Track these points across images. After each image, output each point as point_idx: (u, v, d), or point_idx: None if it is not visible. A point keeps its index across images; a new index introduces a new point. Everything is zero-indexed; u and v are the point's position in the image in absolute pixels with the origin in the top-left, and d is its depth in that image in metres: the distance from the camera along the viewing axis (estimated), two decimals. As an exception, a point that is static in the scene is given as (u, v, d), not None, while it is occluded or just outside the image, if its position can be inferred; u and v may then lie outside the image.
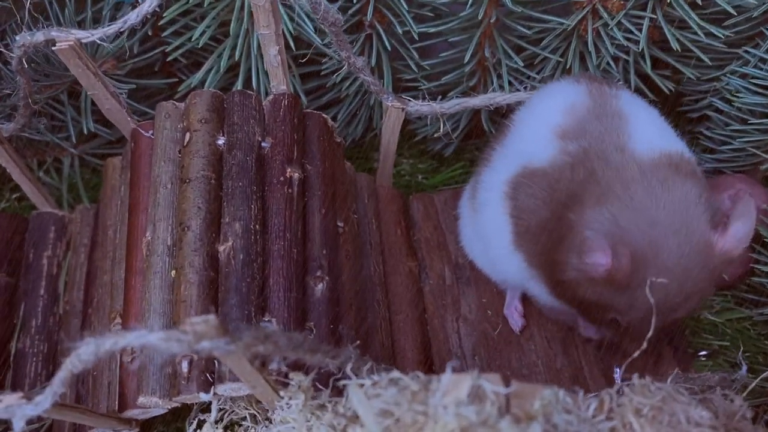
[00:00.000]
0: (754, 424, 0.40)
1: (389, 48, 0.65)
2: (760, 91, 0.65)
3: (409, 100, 0.62)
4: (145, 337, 0.34)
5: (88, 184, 0.74)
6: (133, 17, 0.47)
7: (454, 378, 0.34)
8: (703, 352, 0.69)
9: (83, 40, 0.48)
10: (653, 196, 0.47)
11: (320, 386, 0.45)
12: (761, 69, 0.64)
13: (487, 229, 0.57)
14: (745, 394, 0.45)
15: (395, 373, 0.37)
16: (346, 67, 0.57)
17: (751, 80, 0.65)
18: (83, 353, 0.35)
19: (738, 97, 0.65)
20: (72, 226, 0.67)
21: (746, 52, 0.66)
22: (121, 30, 0.47)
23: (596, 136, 0.51)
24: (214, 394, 0.46)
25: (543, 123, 0.54)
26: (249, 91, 0.57)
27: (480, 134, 0.77)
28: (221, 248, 0.50)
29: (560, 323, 0.64)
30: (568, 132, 0.52)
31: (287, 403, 0.42)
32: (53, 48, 0.47)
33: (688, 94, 0.72)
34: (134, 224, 0.55)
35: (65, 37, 0.47)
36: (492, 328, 0.65)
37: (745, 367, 0.52)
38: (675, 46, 0.63)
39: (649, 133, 0.52)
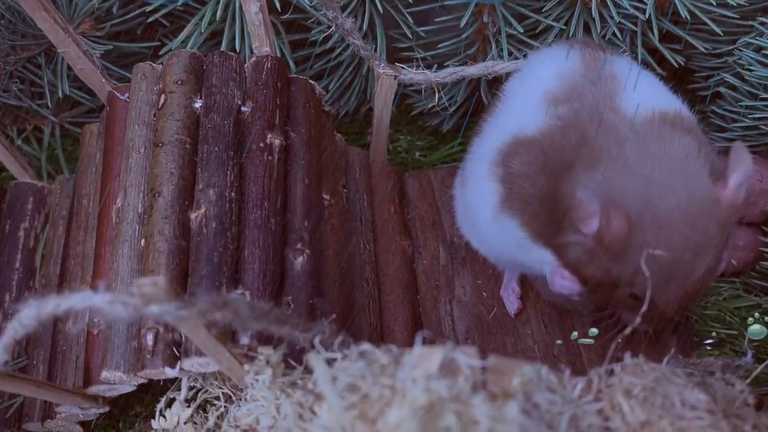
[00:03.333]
0: (757, 411, 0.37)
1: (382, 11, 0.61)
2: (768, 63, 0.61)
3: (403, 67, 0.59)
4: (89, 300, 0.31)
5: (70, 155, 0.71)
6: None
7: (425, 350, 0.31)
8: (709, 341, 0.65)
9: (49, -9, 0.45)
10: (649, 153, 0.44)
11: (294, 363, 0.42)
12: (773, 40, 0.60)
13: (475, 199, 0.54)
14: (748, 381, 0.41)
15: (365, 346, 0.33)
16: (334, 28, 0.53)
17: (764, 53, 0.61)
18: (24, 317, 0.32)
19: (750, 70, 0.62)
20: (51, 198, 0.64)
21: (762, 24, 0.62)
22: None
23: (588, 98, 0.48)
24: (181, 369, 0.44)
25: (533, 90, 0.51)
26: (230, 53, 0.54)
27: (479, 109, 0.74)
28: (193, 216, 0.47)
29: (558, 306, 0.61)
30: (559, 97, 0.49)
31: (255, 379, 0.39)
32: (16, -2, 0.44)
33: (698, 70, 0.69)
34: (106, 191, 0.52)
35: (28, -14, 0.44)
36: (487, 310, 0.62)
37: (750, 354, 0.48)
38: (684, 13, 0.59)
39: (643, 93, 0.49)
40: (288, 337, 0.38)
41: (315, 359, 0.32)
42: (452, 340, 0.61)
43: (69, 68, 0.61)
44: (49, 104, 0.63)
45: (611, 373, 0.35)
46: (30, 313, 0.32)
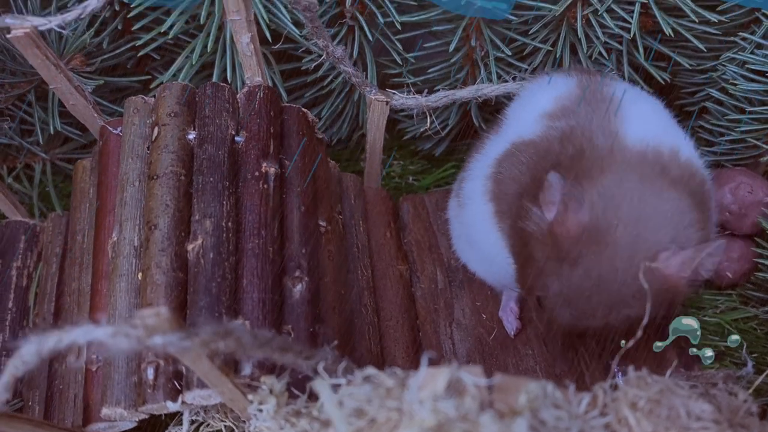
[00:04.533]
0: (761, 421, 0.37)
1: (372, 39, 0.62)
2: (757, 77, 0.62)
3: (394, 93, 0.59)
4: (91, 333, 0.31)
5: (62, 192, 0.71)
6: (94, 2, 0.44)
7: (431, 371, 0.31)
8: (709, 354, 0.65)
9: (40, 28, 0.45)
10: (625, 190, 0.44)
11: (297, 392, 0.41)
12: (757, 55, 0.61)
13: (470, 218, 0.54)
14: (750, 390, 0.41)
15: (370, 370, 0.33)
16: (325, 56, 0.54)
17: (747, 67, 0.62)
18: (25, 353, 0.32)
19: (735, 85, 0.63)
20: (43, 236, 0.64)
21: (743, 39, 0.63)
22: (81, 16, 0.45)
23: (584, 116, 0.49)
24: (183, 402, 0.43)
25: (531, 110, 0.52)
26: (222, 84, 0.54)
27: (471, 133, 0.74)
28: (190, 247, 0.47)
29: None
30: (556, 113, 0.50)
31: (259, 409, 0.38)
32: (7, 36, 0.45)
33: (683, 86, 0.70)
34: (101, 226, 0.52)
35: (20, 24, 0.44)
36: (487, 332, 0.62)
37: (750, 364, 0.48)
38: (668, 31, 0.60)
39: (644, 123, 0.49)
40: (291, 365, 0.37)
41: (320, 385, 0.32)
42: (454, 363, 0.60)
43: (60, 104, 0.62)
44: (40, 141, 0.63)
45: (615, 387, 0.35)
46: (31, 350, 0.32)
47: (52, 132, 0.62)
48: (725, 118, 0.66)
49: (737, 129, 0.64)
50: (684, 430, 0.33)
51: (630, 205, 0.44)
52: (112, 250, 0.50)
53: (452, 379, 0.30)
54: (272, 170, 0.52)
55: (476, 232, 0.54)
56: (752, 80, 0.62)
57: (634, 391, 0.33)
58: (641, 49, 0.63)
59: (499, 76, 0.63)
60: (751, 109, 0.63)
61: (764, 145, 0.65)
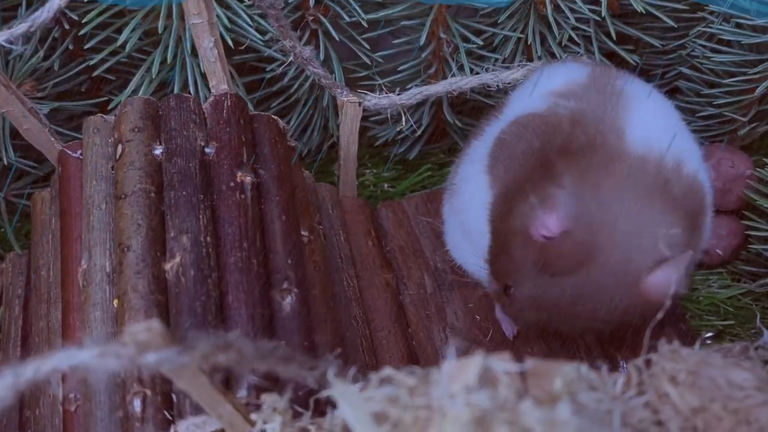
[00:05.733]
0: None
1: (337, 39, 0.60)
2: (726, 48, 0.62)
3: (366, 93, 0.57)
4: (75, 357, 0.27)
5: (20, 231, 0.67)
6: (43, 14, 0.41)
7: (459, 362, 0.28)
8: (708, 334, 0.64)
9: (-14, 45, 0.42)
10: (623, 204, 0.42)
11: (299, 408, 0.38)
12: (726, 25, 0.61)
13: (467, 205, 0.51)
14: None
15: (386, 371, 0.30)
16: (292, 58, 0.51)
17: (719, 38, 0.62)
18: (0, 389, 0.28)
19: (707, 60, 0.62)
20: (2, 278, 0.60)
21: (710, 13, 0.63)
22: (32, 29, 0.41)
23: (597, 105, 0.46)
24: (175, 433, 0.39)
25: (539, 88, 0.49)
26: (186, 95, 0.51)
27: (444, 135, 0.72)
28: (168, 266, 0.44)
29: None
30: (567, 93, 0.47)
31: (263, 430, 0.35)
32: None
33: (653, 68, 0.69)
34: (68, 256, 0.48)
35: (-37, 41, 0.41)
36: (483, 334, 0.59)
37: (767, 333, 0.47)
38: (639, 8, 0.59)
39: (653, 126, 0.46)
40: (295, 378, 0.34)
41: (337, 391, 0.29)
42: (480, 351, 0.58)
43: (12, 135, 0.58)
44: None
45: (648, 364, 0.33)
46: (5, 383, 0.28)
47: (6, 163, 0.58)
48: (699, 94, 0.65)
49: (714, 103, 0.63)
50: (728, 399, 0.31)
51: (624, 223, 0.42)
52: (82, 279, 0.46)
53: (482, 369, 0.27)
54: (248, 179, 0.49)
55: (470, 216, 0.51)
56: (721, 52, 0.62)
57: (671, 364, 0.31)
58: (612, 33, 0.62)
59: (471, 70, 0.62)
60: (725, 81, 0.62)
61: (741, 118, 0.65)
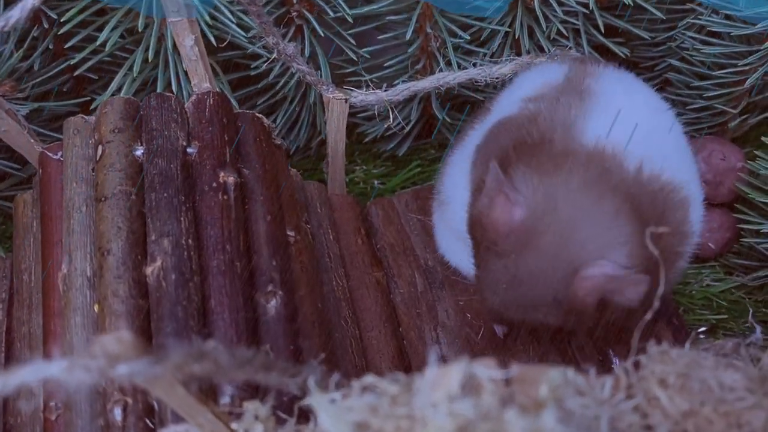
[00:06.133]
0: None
1: (322, 35, 0.59)
2: (715, 40, 0.61)
3: (352, 89, 0.56)
4: (43, 370, 0.26)
5: (3, 234, 0.66)
6: (16, 13, 0.40)
7: (441, 370, 0.27)
8: (702, 329, 0.64)
9: (-41, 45, 0.41)
10: (567, 194, 0.42)
11: (283, 415, 0.37)
12: (716, 16, 0.60)
13: (456, 213, 0.51)
14: (771, 354, 0.39)
15: (368, 378, 0.30)
16: (276, 55, 0.50)
17: (708, 30, 0.61)
18: (-33, 404, 0.27)
19: (696, 51, 0.62)
20: (-14, 281, 0.59)
21: (698, 4, 0.62)
22: (5, 28, 0.40)
23: (554, 103, 0.47)
24: (158, 442, 0.39)
25: (515, 94, 0.51)
26: (168, 94, 0.50)
27: (433, 130, 0.72)
28: (149, 270, 0.43)
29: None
30: (534, 96, 0.49)
31: (244, 438, 0.34)
32: None
33: (643, 61, 0.69)
34: (48, 260, 0.47)
35: (-65, 42, 0.40)
36: (474, 332, 0.59)
37: (759, 329, 0.46)
38: (628, 0, 0.58)
39: (616, 125, 0.45)
40: (276, 386, 0.33)
41: (316, 400, 0.28)
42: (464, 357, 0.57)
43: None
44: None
45: (637, 366, 0.32)
46: (-27, 398, 0.27)
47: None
48: (689, 87, 0.64)
49: (704, 96, 0.63)
50: (720, 403, 0.30)
51: (565, 212, 0.42)
52: (62, 284, 0.45)
53: (465, 376, 0.27)
54: (231, 180, 0.48)
55: (458, 220, 0.51)
56: (711, 44, 0.61)
57: (660, 367, 0.30)
58: (601, 26, 0.61)
59: (459, 65, 0.61)
60: (714, 73, 0.61)
61: (731, 110, 0.64)
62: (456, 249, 0.56)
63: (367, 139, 0.71)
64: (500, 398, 0.26)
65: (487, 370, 0.27)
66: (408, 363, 0.57)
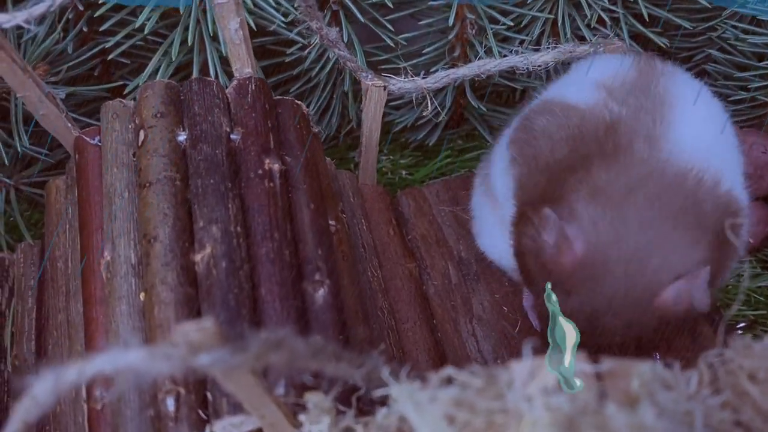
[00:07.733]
0: None
1: (362, 19, 0.57)
2: (760, 30, 0.60)
3: (390, 77, 0.55)
4: (122, 359, 0.25)
5: (30, 220, 0.65)
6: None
7: (536, 363, 0.26)
8: (741, 324, 0.63)
9: (4, 25, 0.39)
10: (639, 219, 0.40)
11: (342, 407, 0.36)
12: (761, 6, 0.59)
13: (498, 191, 0.49)
14: None
15: (449, 370, 0.29)
16: (318, 40, 0.49)
17: (749, 22, 0.60)
18: (40, 393, 0.26)
19: (739, 42, 0.61)
20: (14, 269, 0.57)
21: (742, -6, 0.61)
22: (52, 8, 0.39)
23: (633, 110, 0.43)
24: (210, 434, 0.38)
25: (587, 76, 0.47)
26: (209, 78, 0.49)
27: (462, 120, 0.71)
28: (198, 257, 0.42)
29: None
30: (615, 92, 0.44)
31: (309, 431, 0.33)
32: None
33: (682, 51, 0.68)
34: (89, 247, 0.46)
35: (-20, 21, 0.38)
36: (511, 326, 0.58)
37: None
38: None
39: (696, 138, 0.43)
40: (343, 377, 0.32)
41: (398, 391, 0.27)
42: (479, 361, 0.56)
43: (25, 122, 0.56)
44: (5, 161, 0.57)
45: (721, 359, 0.31)
46: (45, 387, 0.26)
47: (20, 151, 0.56)
48: (730, 78, 0.63)
49: (747, 87, 0.62)
50: (809, 398, 0.29)
51: (637, 239, 0.40)
52: (106, 271, 0.44)
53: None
54: (276, 167, 0.47)
55: (507, 206, 0.49)
56: (755, 33, 0.60)
57: (748, 361, 0.29)
58: (645, 15, 0.60)
59: (498, 53, 0.60)
60: (757, 64, 0.61)
61: (771, 102, 0.63)
62: (497, 238, 0.55)
63: (396, 129, 0.70)
64: (596, 393, 0.26)
65: (578, 363, 0.26)
66: (443, 355, 0.56)
